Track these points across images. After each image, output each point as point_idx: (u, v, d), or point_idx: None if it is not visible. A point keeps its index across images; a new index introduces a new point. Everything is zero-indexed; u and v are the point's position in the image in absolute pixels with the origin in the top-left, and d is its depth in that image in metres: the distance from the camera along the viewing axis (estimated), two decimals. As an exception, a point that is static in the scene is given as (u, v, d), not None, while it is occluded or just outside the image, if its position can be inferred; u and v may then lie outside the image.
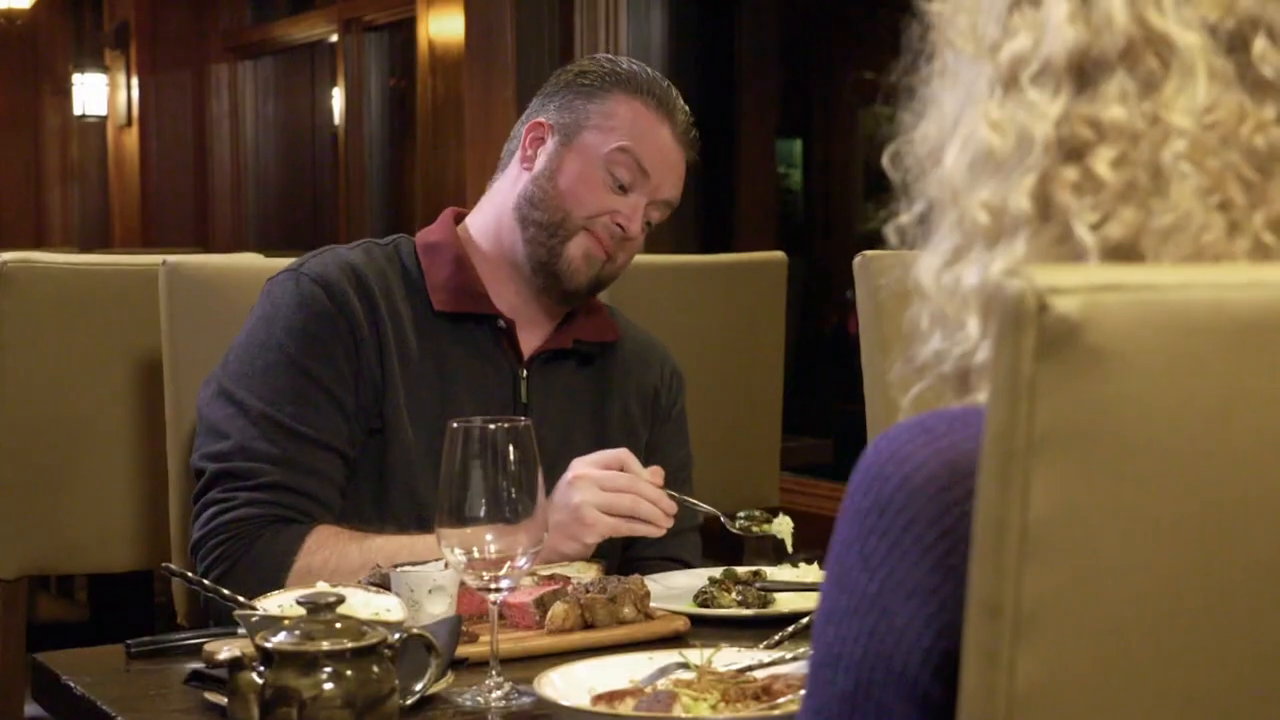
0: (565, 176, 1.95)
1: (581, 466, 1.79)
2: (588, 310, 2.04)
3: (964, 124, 0.87)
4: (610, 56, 2.05)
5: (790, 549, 1.86)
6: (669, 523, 1.79)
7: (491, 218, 2.01)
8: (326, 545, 1.79)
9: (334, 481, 1.87)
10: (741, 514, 1.88)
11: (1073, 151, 0.83)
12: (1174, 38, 0.82)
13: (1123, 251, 0.82)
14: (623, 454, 1.81)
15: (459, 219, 2.05)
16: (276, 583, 1.75)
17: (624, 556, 2.00)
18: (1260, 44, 0.83)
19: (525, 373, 1.98)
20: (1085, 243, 0.82)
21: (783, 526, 1.87)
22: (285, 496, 1.83)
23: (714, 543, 2.21)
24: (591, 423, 2.02)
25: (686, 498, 1.89)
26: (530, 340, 2.00)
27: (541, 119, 1.99)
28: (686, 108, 2.02)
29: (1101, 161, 0.82)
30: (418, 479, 1.87)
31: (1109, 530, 0.70)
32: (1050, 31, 0.84)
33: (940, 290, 0.87)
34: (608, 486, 1.77)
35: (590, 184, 1.94)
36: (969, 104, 0.87)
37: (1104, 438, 0.70)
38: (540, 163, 1.97)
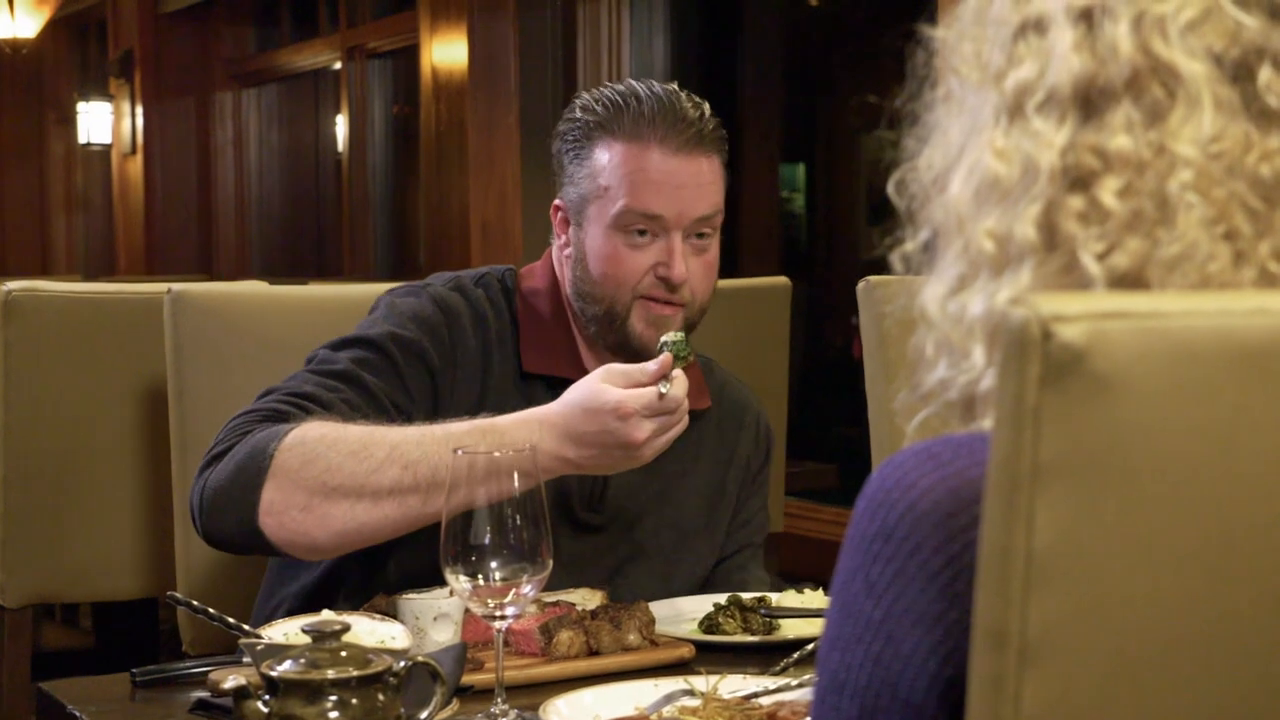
0: (594, 261, 1.84)
1: (642, 430, 1.67)
2: (689, 367, 1.90)
3: (969, 152, 0.87)
4: (588, 95, 1.88)
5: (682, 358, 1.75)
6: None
7: (565, 284, 1.90)
8: (324, 425, 1.66)
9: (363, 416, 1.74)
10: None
11: (1078, 181, 0.83)
12: (1180, 67, 0.82)
13: (1129, 281, 0.82)
14: (670, 399, 1.69)
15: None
16: (262, 459, 1.64)
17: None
18: (1266, 73, 0.83)
19: None
20: (1091, 272, 0.82)
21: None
22: (304, 402, 1.72)
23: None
24: (676, 490, 1.93)
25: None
26: None
27: (558, 200, 1.90)
28: (684, 98, 1.85)
29: (1107, 191, 0.82)
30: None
31: (1114, 558, 0.70)
32: (1055, 60, 0.84)
33: (945, 318, 0.87)
34: (655, 411, 1.66)
35: (617, 260, 1.82)
36: (974, 132, 0.87)
37: (1109, 465, 0.70)
38: (572, 251, 1.87)
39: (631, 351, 1.84)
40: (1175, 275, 0.81)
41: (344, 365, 1.79)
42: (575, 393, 1.69)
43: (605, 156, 1.83)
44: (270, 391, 1.78)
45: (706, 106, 1.87)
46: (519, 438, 1.65)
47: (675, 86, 1.87)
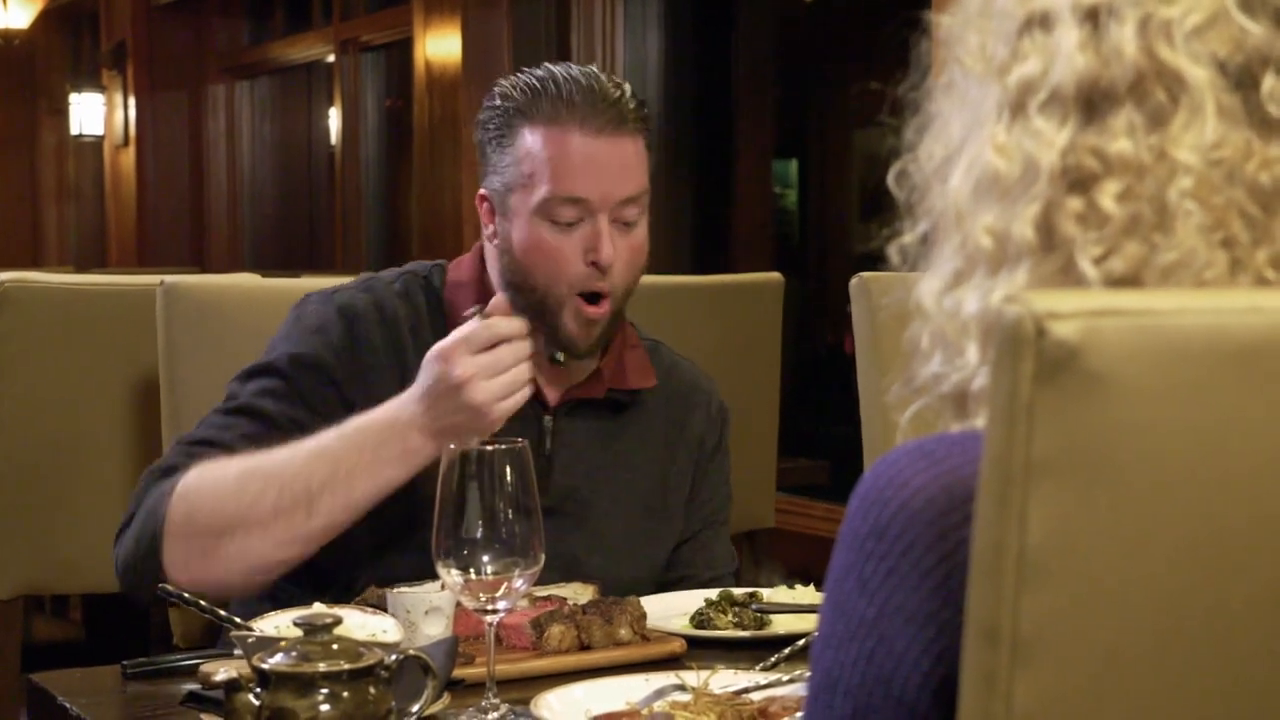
0: (520, 251, 1.82)
1: (463, 365, 1.68)
2: (629, 348, 1.94)
3: (970, 145, 0.87)
4: (506, 82, 1.85)
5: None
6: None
7: (494, 274, 1.89)
8: (205, 469, 1.70)
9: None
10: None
11: (1078, 182, 0.83)
12: (1184, 72, 0.82)
13: (1125, 286, 0.82)
14: (486, 326, 1.70)
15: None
16: (155, 521, 1.70)
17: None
18: (1269, 82, 0.83)
19: (551, 420, 1.89)
20: (1088, 275, 0.82)
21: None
22: (200, 448, 1.76)
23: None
24: (624, 471, 1.92)
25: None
26: (559, 387, 1.90)
27: (483, 190, 1.88)
28: (602, 78, 1.82)
29: (1107, 195, 0.82)
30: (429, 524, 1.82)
31: (1107, 555, 0.71)
32: (1060, 59, 0.84)
33: (941, 313, 0.87)
34: (497, 370, 1.67)
35: (544, 249, 1.80)
36: (976, 125, 0.87)
37: (1102, 462, 0.70)
38: (499, 241, 1.85)
39: (560, 345, 1.84)
40: (1171, 282, 0.81)
41: (245, 399, 1.82)
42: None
43: (526, 143, 1.80)
44: (180, 440, 1.82)
45: (628, 87, 1.85)
46: (384, 426, 1.71)
47: (595, 69, 1.85)
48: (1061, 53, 0.84)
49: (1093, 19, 0.84)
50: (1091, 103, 0.84)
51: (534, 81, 1.82)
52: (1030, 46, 0.85)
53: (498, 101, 1.84)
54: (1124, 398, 0.69)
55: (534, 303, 1.82)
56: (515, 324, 1.72)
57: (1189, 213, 0.81)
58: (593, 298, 1.81)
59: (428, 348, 1.79)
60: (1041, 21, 0.86)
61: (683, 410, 1.99)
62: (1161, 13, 0.83)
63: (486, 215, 1.88)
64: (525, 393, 1.71)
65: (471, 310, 1.73)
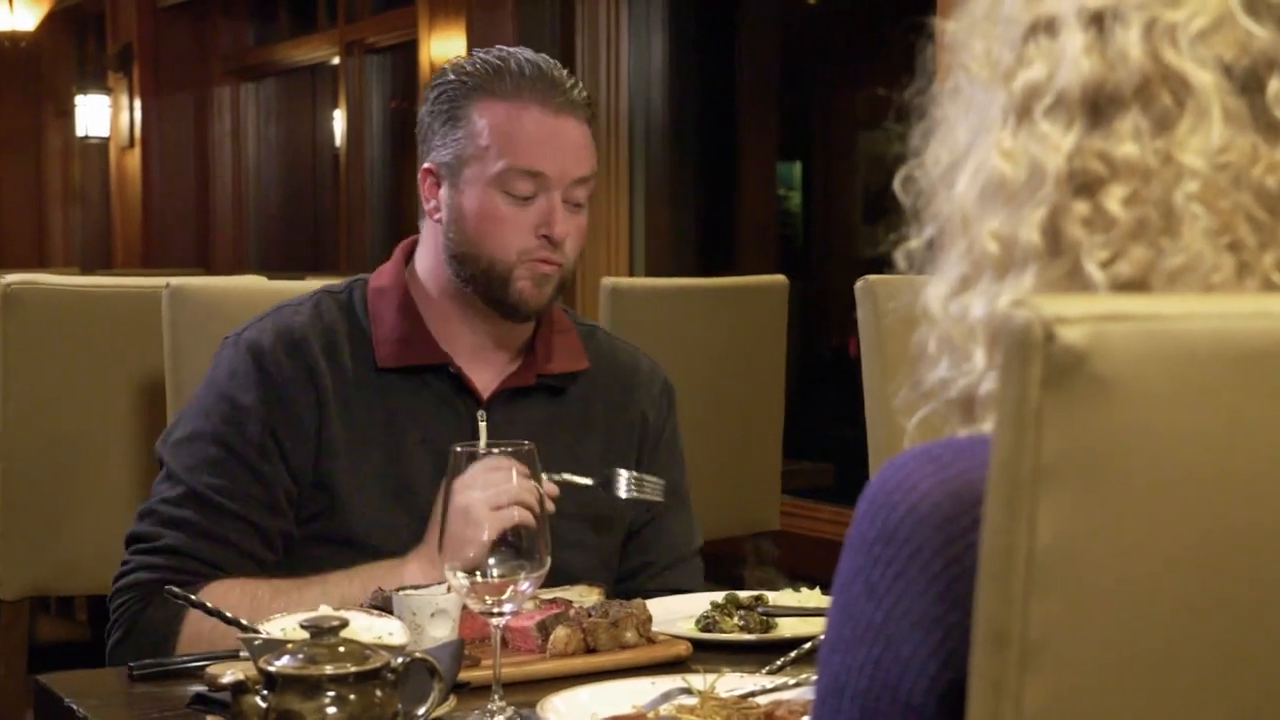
0: (472, 222, 1.85)
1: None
2: (558, 333, 1.95)
3: (976, 151, 0.87)
4: (459, 61, 1.90)
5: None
6: (550, 506, 1.68)
7: (430, 266, 1.92)
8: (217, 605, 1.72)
9: (242, 550, 1.81)
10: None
11: (1084, 187, 0.83)
12: (1189, 76, 0.82)
13: (1132, 290, 0.82)
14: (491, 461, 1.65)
15: (412, 253, 1.96)
16: (169, 648, 1.74)
17: (625, 589, 1.93)
18: (1275, 85, 0.83)
19: (484, 414, 1.89)
20: (1094, 279, 0.82)
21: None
22: (184, 562, 1.79)
23: (710, 565, 2.21)
24: (565, 460, 1.88)
25: (568, 476, 1.82)
26: (489, 379, 1.91)
27: (427, 164, 1.90)
28: (556, 66, 1.87)
29: (1113, 199, 0.82)
30: (374, 538, 1.82)
31: (1116, 559, 0.71)
32: (1065, 63, 0.84)
33: (947, 318, 0.87)
34: (488, 485, 1.63)
35: (497, 219, 1.83)
36: (982, 130, 0.87)
37: (1110, 467, 0.70)
38: (444, 213, 1.88)
39: (510, 307, 1.86)
40: (1178, 285, 0.81)
41: (190, 481, 1.82)
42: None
43: (485, 117, 1.84)
44: (146, 514, 1.84)
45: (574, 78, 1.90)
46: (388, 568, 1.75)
47: (545, 56, 1.90)
48: (1067, 57, 0.84)
49: (1098, 23, 0.84)
50: (1097, 107, 0.84)
51: (494, 59, 1.86)
52: (1035, 51, 0.85)
53: (450, 77, 1.88)
54: (1132, 402, 0.69)
55: (480, 272, 1.85)
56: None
57: (1195, 216, 0.81)
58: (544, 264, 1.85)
59: (343, 361, 1.85)
60: (1047, 26, 0.86)
61: (621, 392, 1.99)
62: (1167, 16, 0.83)
63: (430, 189, 1.90)
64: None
65: None
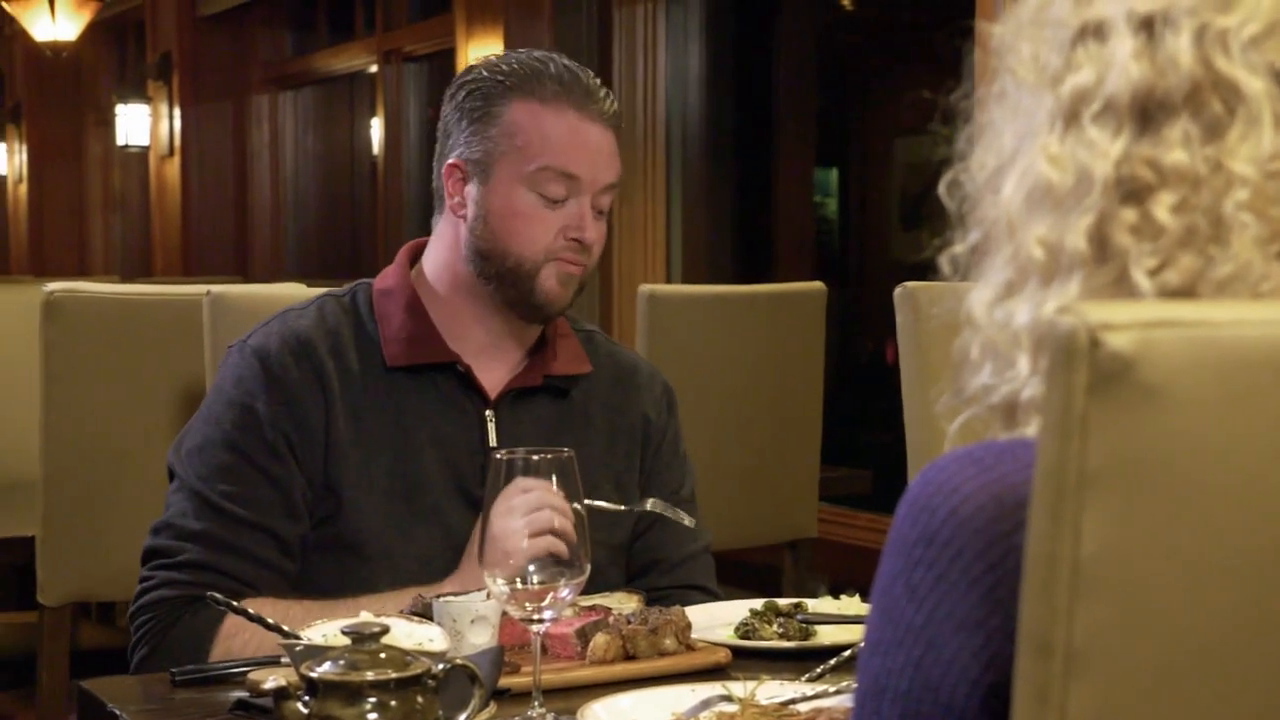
0: (500, 219, 1.85)
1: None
2: (560, 336, 1.95)
3: (1023, 156, 0.86)
4: (492, 60, 1.90)
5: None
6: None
7: (444, 263, 1.92)
8: (247, 626, 1.70)
9: (263, 561, 1.81)
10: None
11: (1132, 194, 0.83)
12: (1240, 83, 0.81)
13: (1179, 299, 0.81)
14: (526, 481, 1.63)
15: (416, 255, 1.96)
16: (196, 654, 1.74)
17: (638, 586, 1.93)
18: None
19: (492, 414, 1.89)
20: (1142, 288, 0.81)
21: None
22: (205, 575, 1.78)
23: (748, 573, 2.20)
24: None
25: (598, 502, 1.81)
26: (497, 379, 1.91)
27: (454, 159, 1.88)
28: (592, 76, 1.89)
29: (1161, 206, 0.82)
30: (383, 539, 1.82)
31: (1161, 567, 0.70)
32: (1114, 69, 0.84)
33: (992, 324, 0.87)
34: (523, 509, 1.62)
35: (527, 218, 1.84)
36: (1028, 135, 0.86)
37: (1156, 474, 0.70)
38: (470, 209, 1.87)
39: (533, 307, 1.87)
40: (1226, 295, 0.80)
41: (205, 491, 1.82)
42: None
43: (523, 115, 1.85)
44: (159, 528, 1.84)
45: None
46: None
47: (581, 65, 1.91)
48: (1116, 62, 0.83)
49: (1148, 28, 0.84)
50: (1146, 113, 0.83)
51: (532, 61, 1.87)
52: (1084, 56, 0.85)
53: (484, 74, 1.88)
54: (1178, 409, 0.69)
55: (505, 270, 1.86)
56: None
57: (1245, 225, 0.80)
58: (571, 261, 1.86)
59: (349, 363, 1.85)
60: (1096, 31, 0.85)
61: (623, 394, 2.00)
62: (1218, 22, 0.82)
63: (455, 185, 1.90)
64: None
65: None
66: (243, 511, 1.81)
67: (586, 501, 1.74)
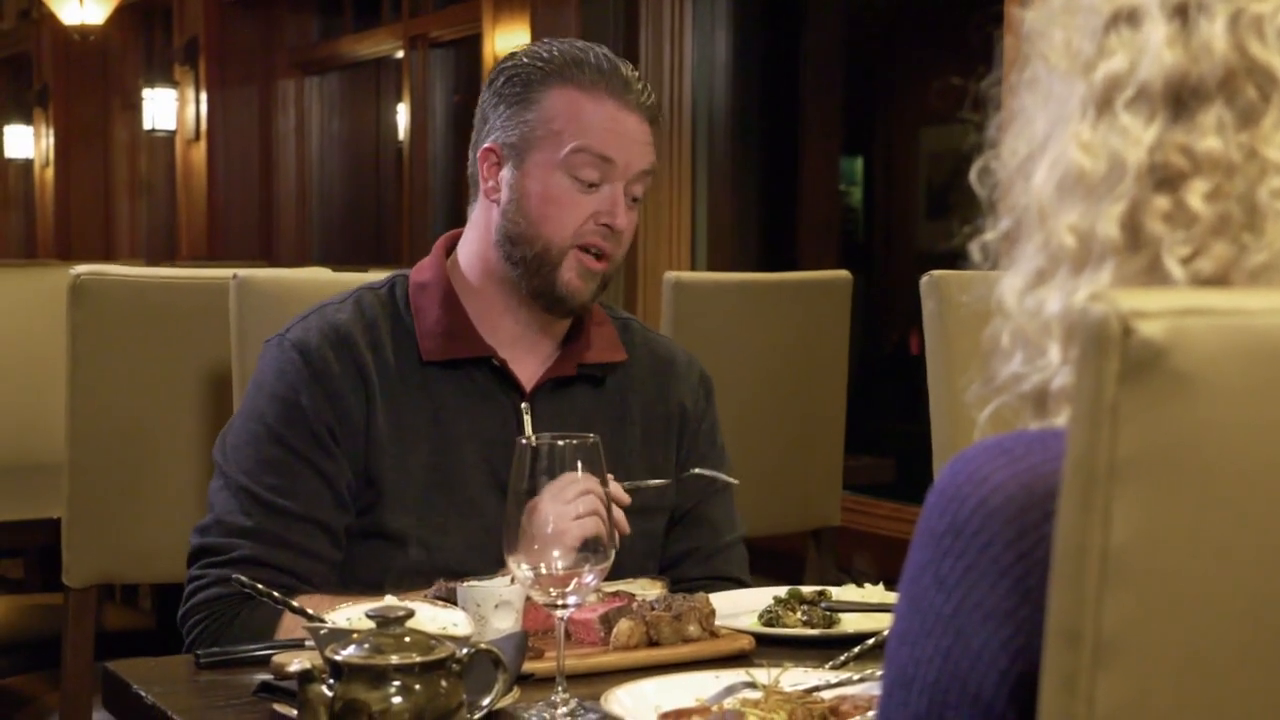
0: (533, 202, 1.86)
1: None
2: (595, 324, 1.95)
3: (1054, 142, 0.86)
4: (533, 48, 1.91)
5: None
6: (619, 513, 1.70)
7: (476, 252, 1.92)
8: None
9: (314, 554, 1.82)
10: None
11: (1165, 181, 0.82)
12: (1275, 69, 0.81)
13: (1212, 287, 0.81)
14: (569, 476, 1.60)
15: (452, 247, 1.97)
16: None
17: (671, 576, 1.94)
18: None
19: (528, 405, 1.90)
20: (1174, 276, 0.81)
21: None
22: (259, 572, 1.77)
23: (772, 561, 2.20)
24: (606, 451, 1.83)
25: (643, 481, 1.84)
26: (532, 371, 1.92)
27: (490, 144, 1.89)
28: (630, 67, 1.91)
29: (1195, 194, 0.81)
30: (420, 532, 1.83)
31: (1191, 557, 0.70)
32: (1148, 55, 0.83)
33: (1022, 312, 0.86)
34: (565, 498, 1.59)
35: (560, 203, 1.85)
36: (1060, 122, 0.86)
37: (1187, 463, 0.69)
38: (504, 193, 1.88)
39: (554, 299, 1.87)
40: (1260, 283, 0.80)
41: (256, 490, 1.82)
42: None
43: (561, 101, 1.86)
44: (207, 527, 1.84)
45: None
46: None
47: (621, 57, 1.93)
48: (1149, 49, 0.83)
49: (1181, 14, 0.83)
50: (1180, 99, 0.82)
51: (571, 49, 1.89)
52: (1117, 42, 0.84)
53: (524, 60, 1.89)
54: (1211, 398, 0.69)
55: (534, 255, 1.86)
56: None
57: (1279, 213, 0.80)
58: (596, 255, 1.86)
59: (387, 357, 1.86)
60: (1129, 17, 0.84)
61: (660, 383, 2.00)
62: (1253, 8, 0.82)
63: (490, 170, 1.90)
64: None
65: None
66: (292, 505, 1.81)
67: (629, 482, 1.75)
